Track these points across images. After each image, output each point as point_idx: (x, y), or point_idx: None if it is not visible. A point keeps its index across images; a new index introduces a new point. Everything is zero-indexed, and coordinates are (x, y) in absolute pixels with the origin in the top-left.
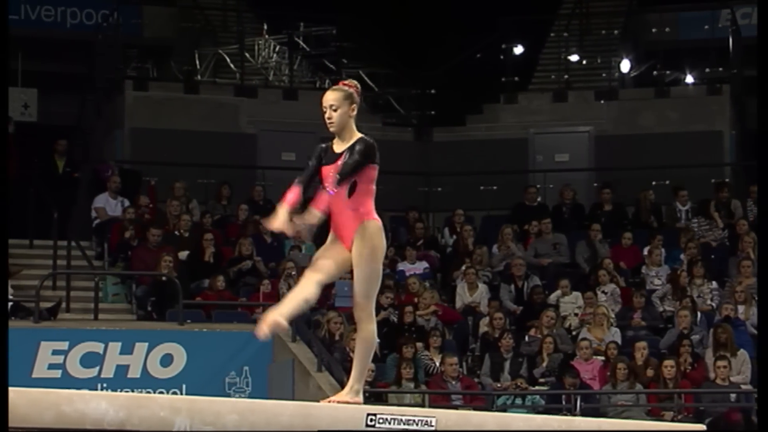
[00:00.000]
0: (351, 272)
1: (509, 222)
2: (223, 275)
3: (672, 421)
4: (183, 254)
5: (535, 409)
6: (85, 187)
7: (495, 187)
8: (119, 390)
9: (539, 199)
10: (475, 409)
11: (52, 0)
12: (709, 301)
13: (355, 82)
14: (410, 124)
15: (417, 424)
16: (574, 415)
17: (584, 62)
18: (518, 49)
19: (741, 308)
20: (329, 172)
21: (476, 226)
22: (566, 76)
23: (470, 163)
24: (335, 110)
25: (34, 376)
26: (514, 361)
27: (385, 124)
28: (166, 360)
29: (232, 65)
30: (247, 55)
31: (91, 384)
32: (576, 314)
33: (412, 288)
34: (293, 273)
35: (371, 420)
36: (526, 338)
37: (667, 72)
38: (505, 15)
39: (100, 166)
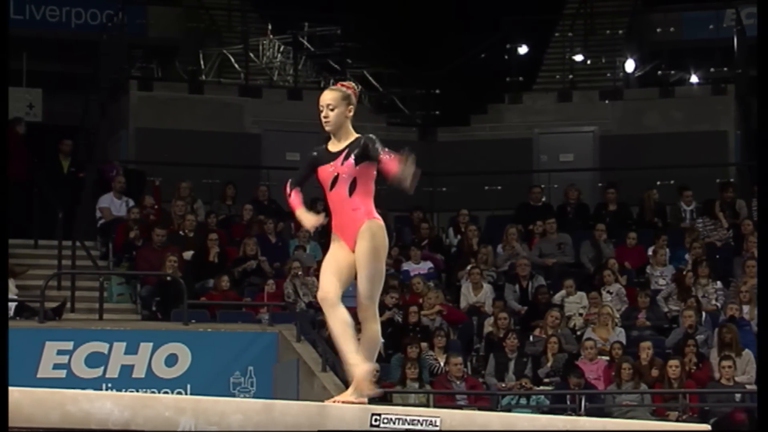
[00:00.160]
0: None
1: (514, 222)
2: (227, 275)
3: (677, 421)
4: (188, 254)
5: (540, 409)
6: (89, 187)
7: (499, 187)
8: (124, 390)
9: (544, 199)
10: (479, 409)
11: (57, 0)
12: (713, 301)
13: (353, 84)
14: (415, 124)
15: (421, 424)
16: (579, 415)
17: (589, 62)
18: (523, 49)
19: (746, 308)
20: (327, 170)
21: (481, 226)
22: (571, 76)
23: (475, 163)
24: (332, 110)
25: (39, 376)
26: (518, 361)
27: (389, 124)
28: (171, 360)
29: (236, 65)
30: (251, 55)
31: (95, 384)
32: (581, 314)
33: (416, 288)
34: (299, 273)
35: (376, 420)
36: (531, 338)
37: (672, 72)
38: (510, 15)
39: (105, 166)
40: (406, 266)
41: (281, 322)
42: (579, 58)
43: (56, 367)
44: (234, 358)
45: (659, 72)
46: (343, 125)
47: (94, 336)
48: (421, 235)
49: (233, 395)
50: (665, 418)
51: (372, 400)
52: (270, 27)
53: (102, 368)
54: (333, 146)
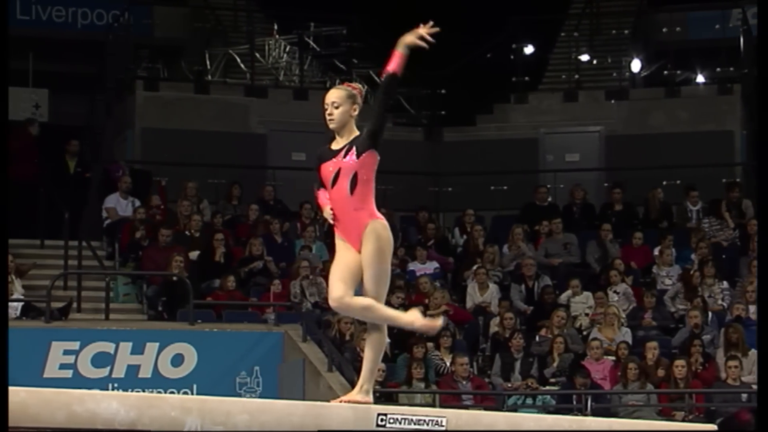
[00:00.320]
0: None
1: (520, 222)
2: (233, 275)
3: (683, 421)
4: (194, 254)
5: (546, 409)
6: (95, 188)
7: (505, 187)
8: (130, 390)
9: (550, 199)
10: (485, 409)
11: (63, 0)
12: (720, 301)
13: (360, 85)
14: (420, 124)
15: (427, 424)
16: (585, 415)
17: (595, 62)
18: (528, 49)
19: (752, 308)
20: (328, 167)
21: (486, 226)
22: (576, 76)
23: (480, 163)
24: (336, 107)
25: (45, 376)
26: (524, 361)
27: (395, 124)
28: (177, 360)
29: (242, 65)
30: (257, 55)
31: (102, 384)
32: (587, 314)
33: (422, 288)
34: (309, 274)
35: (382, 420)
36: (537, 338)
37: (678, 72)
38: (516, 15)
39: (111, 166)
40: (412, 266)
41: (287, 322)
42: (585, 58)
43: (62, 367)
44: (240, 358)
45: (665, 72)
46: (347, 124)
47: (100, 336)
48: (427, 235)
49: (239, 395)
50: (671, 418)
51: (377, 400)
52: (276, 27)
53: (108, 368)
54: (336, 144)
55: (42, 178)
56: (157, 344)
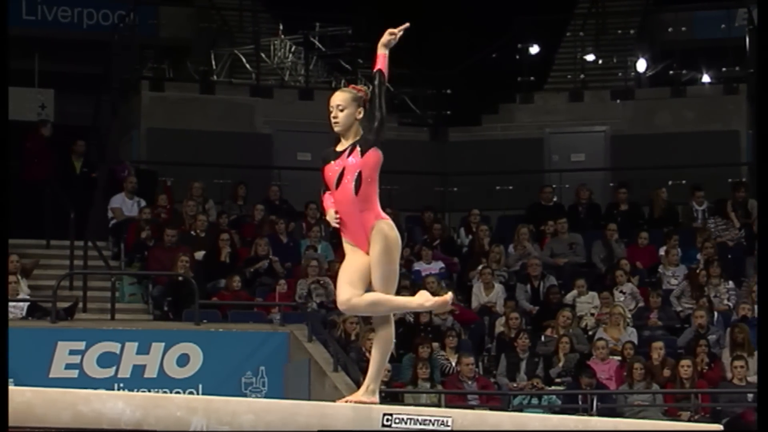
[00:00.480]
0: None
1: (525, 222)
2: (239, 275)
3: (689, 421)
4: (199, 254)
5: (552, 409)
6: (101, 188)
7: (511, 187)
8: (136, 390)
9: (555, 199)
10: (491, 409)
11: (69, 1)
12: (725, 301)
13: (365, 87)
14: (426, 124)
15: (433, 424)
16: (591, 415)
17: (600, 62)
18: (534, 49)
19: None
20: (333, 168)
21: (492, 225)
22: (582, 76)
23: (486, 162)
24: (342, 110)
25: (51, 376)
26: (530, 361)
27: (401, 124)
28: (183, 360)
29: (248, 65)
30: (263, 55)
31: (107, 384)
32: (592, 314)
33: (428, 288)
34: (317, 275)
35: (387, 420)
36: (542, 338)
37: (684, 71)
38: (521, 14)
39: (117, 166)
40: (418, 266)
41: (293, 322)
42: (590, 57)
43: (68, 367)
44: (245, 358)
45: (671, 71)
46: (351, 126)
47: (106, 336)
48: (433, 235)
49: (245, 395)
50: (677, 418)
51: (383, 400)
52: (281, 27)
53: (114, 368)
54: (340, 146)
55: (48, 178)
56: (163, 344)
